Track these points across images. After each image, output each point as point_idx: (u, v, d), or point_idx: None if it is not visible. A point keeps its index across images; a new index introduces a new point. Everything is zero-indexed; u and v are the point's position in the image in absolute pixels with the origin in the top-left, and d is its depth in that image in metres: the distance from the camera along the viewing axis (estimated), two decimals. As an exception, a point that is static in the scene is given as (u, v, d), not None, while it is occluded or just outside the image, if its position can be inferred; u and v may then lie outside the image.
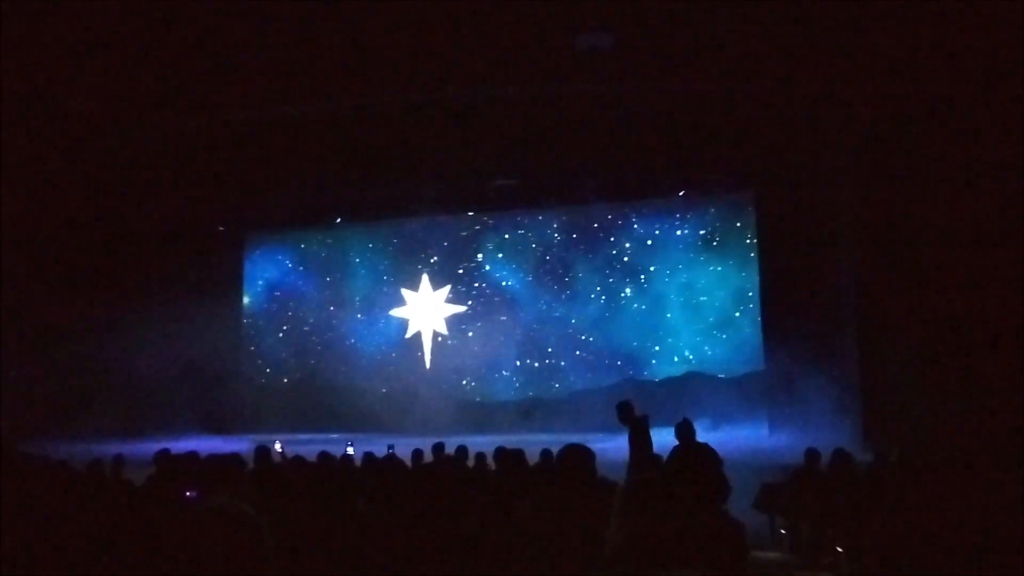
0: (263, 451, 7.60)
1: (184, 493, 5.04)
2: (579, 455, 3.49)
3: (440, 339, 19.78)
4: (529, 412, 18.23)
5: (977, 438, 9.94)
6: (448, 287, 19.86)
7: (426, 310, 19.90)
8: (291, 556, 3.98)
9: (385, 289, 20.24)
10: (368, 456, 7.79)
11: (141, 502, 5.29)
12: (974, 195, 11.45)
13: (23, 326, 16.64)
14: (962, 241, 11.62)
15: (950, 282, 11.73)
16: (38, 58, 12.70)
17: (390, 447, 9.39)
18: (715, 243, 18.16)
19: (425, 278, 19.98)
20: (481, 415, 18.21)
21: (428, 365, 19.73)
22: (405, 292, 20.06)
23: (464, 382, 19.47)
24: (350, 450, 9.87)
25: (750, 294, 17.55)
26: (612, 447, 8.87)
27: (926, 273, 12.04)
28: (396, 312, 20.11)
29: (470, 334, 19.60)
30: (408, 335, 19.96)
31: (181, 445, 9.71)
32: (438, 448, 8.77)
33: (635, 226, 18.78)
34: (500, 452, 7.37)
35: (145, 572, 3.20)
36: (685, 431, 7.05)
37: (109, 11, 11.69)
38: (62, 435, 14.67)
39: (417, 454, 8.45)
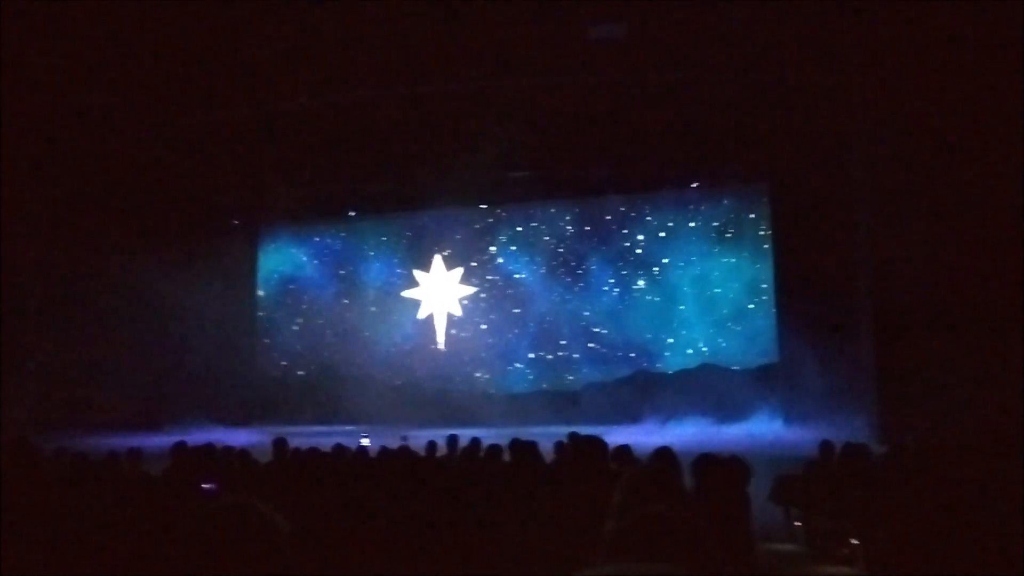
0: (281, 443, 7.64)
1: (202, 486, 5.08)
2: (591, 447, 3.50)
3: (454, 327, 19.79)
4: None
5: (995, 430, 9.86)
6: (461, 269, 19.87)
7: (439, 291, 19.89)
8: (305, 547, 4.01)
9: (399, 282, 20.29)
10: (382, 448, 7.82)
11: (160, 494, 5.33)
12: (993, 185, 11.34)
13: (36, 319, 16.77)
14: (980, 232, 11.51)
15: (968, 272, 11.63)
16: (54, 51, 12.77)
17: (404, 439, 9.44)
18: (729, 235, 18.07)
19: (437, 259, 19.94)
20: (494, 407, 18.21)
21: (442, 347, 19.73)
22: (417, 273, 20.07)
23: (478, 374, 19.50)
24: (365, 442, 9.94)
25: (764, 286, 17.50)
26: (626, 440, 8.84)
27: (943, 263, 11.94)
28: (408, 293, 20.13)
29: (483, 326, 19.62)
30: (421, 316, 19.96)
31: (196, 437, 9.76)
32: (452, 440, 8.81)
33: (648, 218, 18.72)
34: (515, 444, 7.37)
35: (162, 565, 3.23)
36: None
37: (125, 5, 11.74)
38: (77, 429, 14.80)
39: (431, 446, 8.48)
